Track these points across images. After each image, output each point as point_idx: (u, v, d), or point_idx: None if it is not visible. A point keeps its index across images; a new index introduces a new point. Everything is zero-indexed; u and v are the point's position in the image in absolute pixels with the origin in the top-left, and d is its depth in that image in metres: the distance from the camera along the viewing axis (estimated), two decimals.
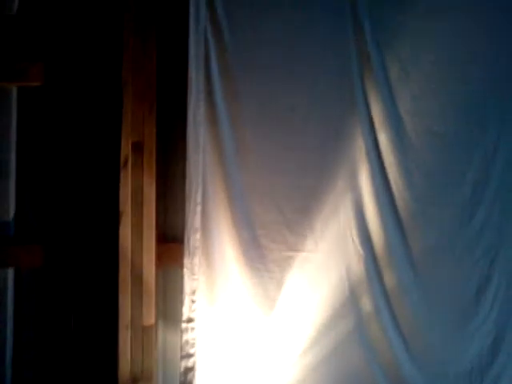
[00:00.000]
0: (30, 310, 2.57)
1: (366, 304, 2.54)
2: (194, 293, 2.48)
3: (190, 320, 2.47)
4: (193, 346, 2.47)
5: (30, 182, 2.65)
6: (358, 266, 2.54)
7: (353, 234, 2.54)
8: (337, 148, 2.56)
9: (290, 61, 2.58)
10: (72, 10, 2.71)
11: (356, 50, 2.58)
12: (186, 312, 2.47)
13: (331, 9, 2.59)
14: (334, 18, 2.59)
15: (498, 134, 2.61)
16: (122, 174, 2.53)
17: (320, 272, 2.53)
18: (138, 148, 2.56)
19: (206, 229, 2.50)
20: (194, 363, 2.46)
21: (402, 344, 2.53)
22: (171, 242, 2.60)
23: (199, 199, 2.50)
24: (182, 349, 2.46)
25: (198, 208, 2.50)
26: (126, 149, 2.52)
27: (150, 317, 2.47)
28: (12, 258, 2.58)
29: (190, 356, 2.47)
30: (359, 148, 2.56)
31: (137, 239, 2.50)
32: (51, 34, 2.70)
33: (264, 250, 2.52)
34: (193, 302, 2.47)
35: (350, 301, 2.53)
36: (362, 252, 2.54)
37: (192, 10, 2.53)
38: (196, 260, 2.49)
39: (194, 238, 2.49)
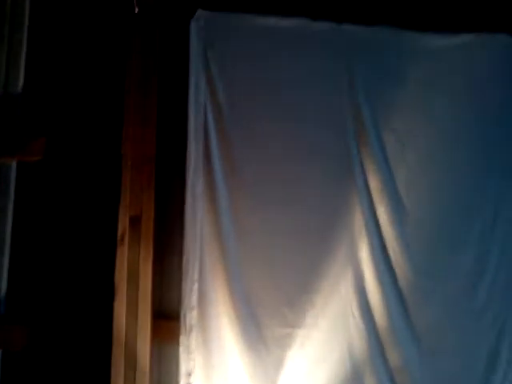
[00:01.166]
0: None
1: (370, 383, 2.45)
2: (190, 374, 2.40)
3: None
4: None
5: (24, 258, 2.60)
6: (359, 342, 2.47)
7: (354, 310, 2.49)
8: (336, 223, 2.55)
9: (288, 137, 2.62)
10: (74, 87, 2.77)
11: (353, 126, 2.62)
12: None
13: (329, 86, 2.66)
14: (332, 95, 2.66)
15: (496, 203, 2.62)
16: (118, 250, 2.49)
17: (321, 349, 2.46)
18: (135, 223, 2.52)
19: (202, 306, 2.45)
20: None
21: None
22: (167, 319, 2.53)
23: (196, 276, 2.47)
24: None
25: (195, 285, 2.45)
26: (123, 224, 2.50)
27: None
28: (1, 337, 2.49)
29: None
30: (358, 221, 2.55)
31: (132, 316, 2.42)
32: (54, 110, 2.74)
33: (262, 327, 2.45)
34: (188, 381, 2.38)
35: (353, 379, 2.45)
36: (363, 328, 2.48)
37: (191, 89, 2.59)
38: (192, 338, 2.42)
39: (190, 316, 2.44)
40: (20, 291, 2.55)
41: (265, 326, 2.44)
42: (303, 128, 2.62)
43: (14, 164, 2.68)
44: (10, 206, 2.61)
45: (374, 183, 2.58)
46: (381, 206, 2.56)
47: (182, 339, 2.40)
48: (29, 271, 2.58)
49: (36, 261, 2.59)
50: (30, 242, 2.61)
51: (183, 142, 2.56)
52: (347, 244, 2.53)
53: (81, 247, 2.59)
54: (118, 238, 2.50)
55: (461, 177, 2.63)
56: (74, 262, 2.59)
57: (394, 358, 2.47)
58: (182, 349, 2.40)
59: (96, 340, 2.48)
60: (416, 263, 2.54)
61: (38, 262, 2.59)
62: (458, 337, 2.52)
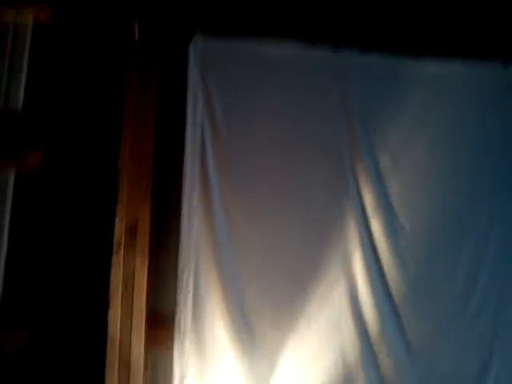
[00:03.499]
0: None
1: None
2: (183, 378, 2.44)
3: None
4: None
5: (21, 264, 2.63)
6: (352, 349, 2.53)
7: (347, 318, 2.56)
8: (331, 234, 2.63)
9: (285, 152, 2.72)
10: (73, 102, 2.86)
11: (348, 145, 2.72)
12: None
13: (325, 109, 2.77)
14: (328, 117, 2.76)
15: (489, 220, 2.70)
16: (114, 259, 2.54)
17: (313, 354, 2.51)
18: (131, 232, 2.58)
19: (197, 313, 2.51)
20: None
21: None
22: (161, 325, 2.57)
23: (191, 283, 2.53)
24: None
25: (190, 293, 2.52)
26: (119, 233, 2.55)
27: None
28: None
29: None
30: (353, 236, 2.63)
31: (126, 322, 2.46)
32: (52, 123, 2.82)
33: (256, 332, 2.51)
34: (182, 383, 2.42)
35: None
36: (356, 336, 2.54)
37: (189, 110, 2.70)
38: (186, 343, 2.46)
39: (184, 321, 2.49)
40: (16, 296, 2.58)
41: (258, 331, 2.50)
42: (300, 147, 2.71)
43: (11, 175, 2.75)
44: (7, 212, 2.67)
45: (369, 198, 2.67)
46: (375, 220, 2.65)
47: (176, 344, 2.45)
48: (25, 276, 2.61)
49: (32, 266, 2.62)
50: (27, 249, 2.64)
51: (180, 156, 2.66)
52: (341, 255, 2.60)
53: (77, 254, 2.62)
54: (114, 246, 2.54)
55: (454, 192, 2.72)
56: (71, 269, 2.62)
57: (385, 365, 2.53)
58: (176, 353, 2.44)
59: (91, 344, 2.49)
60: (409, 276, 2.61)
61: (35, 267, 2.62)
62: (450, 348, 2.58)
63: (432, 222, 2.69)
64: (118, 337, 2.46)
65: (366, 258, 2.62)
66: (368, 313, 2.57)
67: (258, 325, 2.52)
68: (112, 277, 2.51)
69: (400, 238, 2.65)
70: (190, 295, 2.52)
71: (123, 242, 2.57)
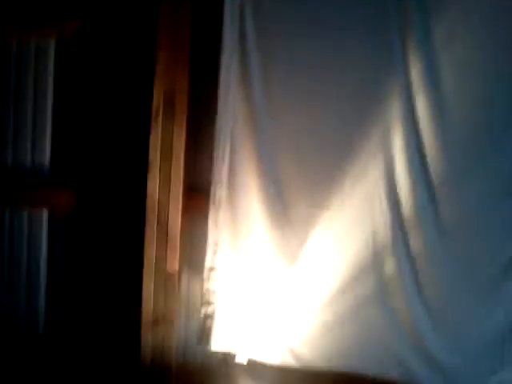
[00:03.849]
0: (61, 250, 2.68)
1: (390, 267, 2.53)
2: (216, 244, 2.55)
3: (211, 269, 2.55)
4: (213, 294, 2.55)
5: (64, 128, 2.72)
6: (384, 227, 2.52)
7: (381, 195, 2.52)
8: (371, 109, 2.51)
9: (328, 19, 2.53)
10: None
11: (396, 13, 2.49)
12: (208, 261, 2.55)
13: None
14: None
15: None
16: (152, 125, 2.55)
17: (344, 231, 2.53)
18: (169, 99, 2.57)
19: (232, 183, 2.55)
20: (214, 311, 2.55)
21: (425, 311, 2.53)
22: (198, 193, 2.64)
23: (227, 153, 2.54)
24: (202, 296, 2.56)
25: (226, 161, 2.54)
26: (157, 100, 2.54)
27: (173, 264, 2.55)
28: (47, 199, 2.67)
29: (210, 304, 2.56)
30: (395, 113, 2.50)
31: (164, 189, 2.55)
32: None
33: (288, 205, 2.54)
34: (215, 252, 2.55)
35: (374, 263, 2.53)
36: (389, 213, 2.52)
37: None
38: (221, 212, 2.54)
39: (220, 191, 2.54)
40: (64, 156, 2.69)
41: (291, 205, 2.53)
42: (343, 11, 2.51)
43: (52, 43, 2.74)
44: (51, 76, 2.70)
45: (416, 74, 2.48)
46: (420, 98, 2.49)
47: (211, 213, 2.54)
48: (72, 137, 2.70)
49: (78, 128, 2.70)
50: (71, 114, 2.71)
51: (219, 26, 2.53)
52: (380, 133, 2.50)
53: (117, 123, 2.68)
54: (153, 115, 2.56)
55: (509, 74, 2.47)
56: (112, 134, 2.69)
57: (416, 244, 2.51)
58: (210, 222, 2.54)
59: (131, 212, 2.63)
60: (450, 159, 2.50)
61: (81, 129, 2.70)
62: (486, 230, 2.52)
63: (482, 104, 2.50)
64: (157, 201, 2.56)
65: (406, 136, 2.50)
66: (403, 193, 2.52)
67: (292, 199, 2.54)
68: (151, 146, 2.56)
69: (445, 119, 2.50)
70: (226, 167, 2.55)
71: (161, 112, 2.57)
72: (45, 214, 2.65)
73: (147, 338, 2.53)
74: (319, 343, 2.57)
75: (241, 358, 2.58)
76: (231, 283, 2.56)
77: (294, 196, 2.55)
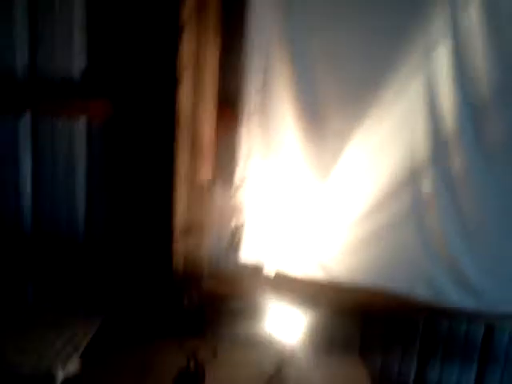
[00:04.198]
0: (99, 159, 2.72)
1: (427, 187, 2.47)
2: (248, 154, 2.53)
3: (243, 179, 2.54)
4: (244, 204, 2.56)
5: (99, 39, 2.66)
6: (423, 145, 2.44)
7: (422, 112, 2.43)
8: (415, 23, 2.37)
9: None
10: None
11: None
12: (240, 171, 2.54)
13: None
14: None
15: None
16: (184, 33, 2.45)
17: (381, 147, 2.46)
18: (202, 6, 2.47)
19: (266, 92, 2.49)
20: (244, 221, 2.57)
21: (461, 233, 2.48)
22: (231, 103, 2.57)
23: (262, 62, 2.47)
24: (233, 206, 2.57)
25: (260, 70, 2.47)
26: (189, 6, 2.44)
27: (205, 173, 2.56)
28: (84, 109, 2.70)
29: (240, 214, 2.58)
30: (439, 27, 2.36)
31: (197, 99, 2.51)
32: None
33: (324, 118, 2.47)
34: (247, 162, 2.53)
35: (411, 181, 2.47)
36: (429, 131, 2.43)
37: None
38: (254, 122, 2.50)
39: (253, 101, 2.49)
40: (99, 66, 2.65)
41: (327, 117, 2.46)
42: None
43: None
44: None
45: None
46: (467, 12, 2.32)
47: (244, 123, 2.50)
48: (107, 47, 2.63)
49: (111, 38, 2.63)
50: (105, 26, 2.63)
51: None
52: (424, 49, 2.37)
53: (150, 31, 2.57)
54: (183, 21, 2.45)
55: None
56: (145, 44, 2.59)
57: (456, 164, 2.44)
58: (243, 132, 2.50)
59: (165, 122, 2.55)
60: (497, 81, 2.36)
61: (113, 39, 2.63)
62: None
63: None
64: (189, 111, 2.52)
65: (450, 54, 2.37)
66: (445, 112, 2.42)
67: (328, 111, 2.47)
68: (182, 54, 2.47)
69: (494, 37, 2.34)
70: (260, 76, 2.48)
71: (194, 18, 2.47)
72: (82, 123, 2.66)
73: (179, 246, 2.59)
74: (350, 259, 2.56)
75: (269, 270, 2.60)
76: (262, 194, 2.55)
77: (330, 108, 2.47)
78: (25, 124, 2.69)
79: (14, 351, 2.18)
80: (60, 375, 2.11)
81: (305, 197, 2.54)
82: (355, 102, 2.46)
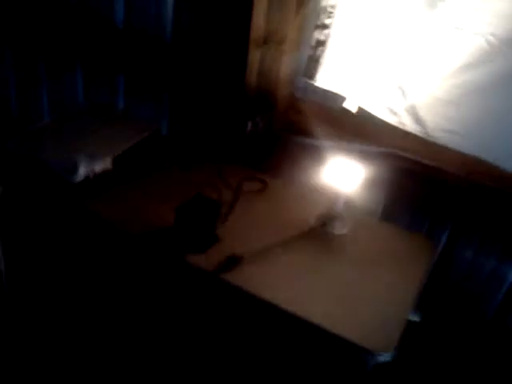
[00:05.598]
0: None
1: None
2: None
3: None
4: (329, 16, 2.03)
5: None
6: None
7: None
8: None
9: None
10: None
11: None
12: None
13: None
14: None
15: None
16: None
17: None
18: None
19: None
20: (328, 36, 2.06)
21: None
22: None
23: None
24: (318, 17, 2.05)
25: None
26: None
27: None
28: None
29: (325, 27, 2.05)
30: None
31: None
32: None
33: None
34: None
35: None
36: None
37: None
38: None
39: None
40: None
41: None
42: None
43: None
44: None
45: None
46: None
47: None
48: None
49: None
50: None
51: None
52: None
53: None
54: None
55: None
56: None
57: None
58: None
59: None
60: None
61: None
62: None
63: None
64: None
65: None
66: None
67: None
68: None
69: None
70: None
71: None
72: None
73: (255, 56, 2.18)
74: (448, 115, 1.96)
75: (350, 104, 2.10)
76: (353, 23, 2.00)
77: None
78: None
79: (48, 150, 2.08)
80: (82, 170, 1.97)
81: (403, 25, 1.91)
82: None
